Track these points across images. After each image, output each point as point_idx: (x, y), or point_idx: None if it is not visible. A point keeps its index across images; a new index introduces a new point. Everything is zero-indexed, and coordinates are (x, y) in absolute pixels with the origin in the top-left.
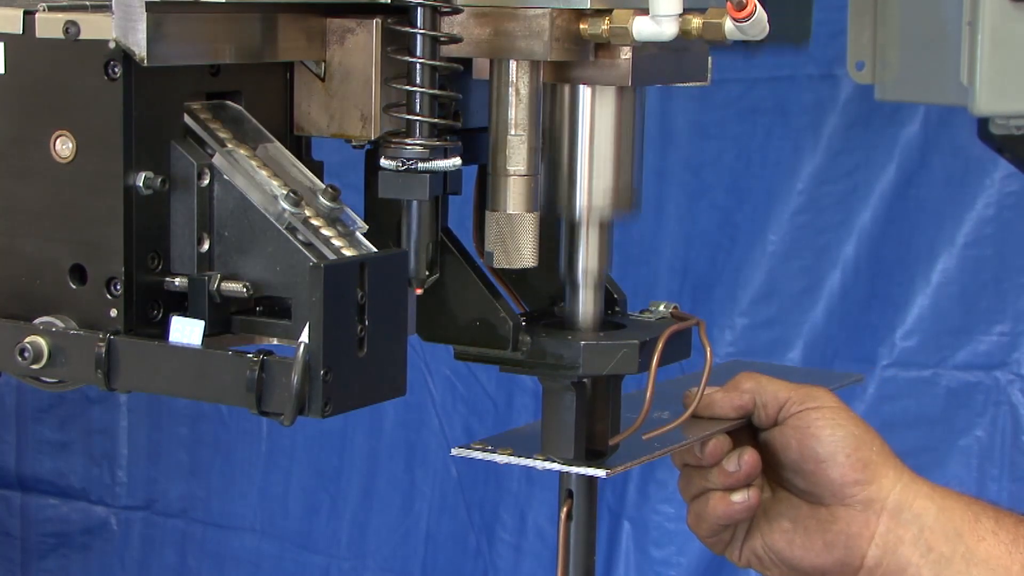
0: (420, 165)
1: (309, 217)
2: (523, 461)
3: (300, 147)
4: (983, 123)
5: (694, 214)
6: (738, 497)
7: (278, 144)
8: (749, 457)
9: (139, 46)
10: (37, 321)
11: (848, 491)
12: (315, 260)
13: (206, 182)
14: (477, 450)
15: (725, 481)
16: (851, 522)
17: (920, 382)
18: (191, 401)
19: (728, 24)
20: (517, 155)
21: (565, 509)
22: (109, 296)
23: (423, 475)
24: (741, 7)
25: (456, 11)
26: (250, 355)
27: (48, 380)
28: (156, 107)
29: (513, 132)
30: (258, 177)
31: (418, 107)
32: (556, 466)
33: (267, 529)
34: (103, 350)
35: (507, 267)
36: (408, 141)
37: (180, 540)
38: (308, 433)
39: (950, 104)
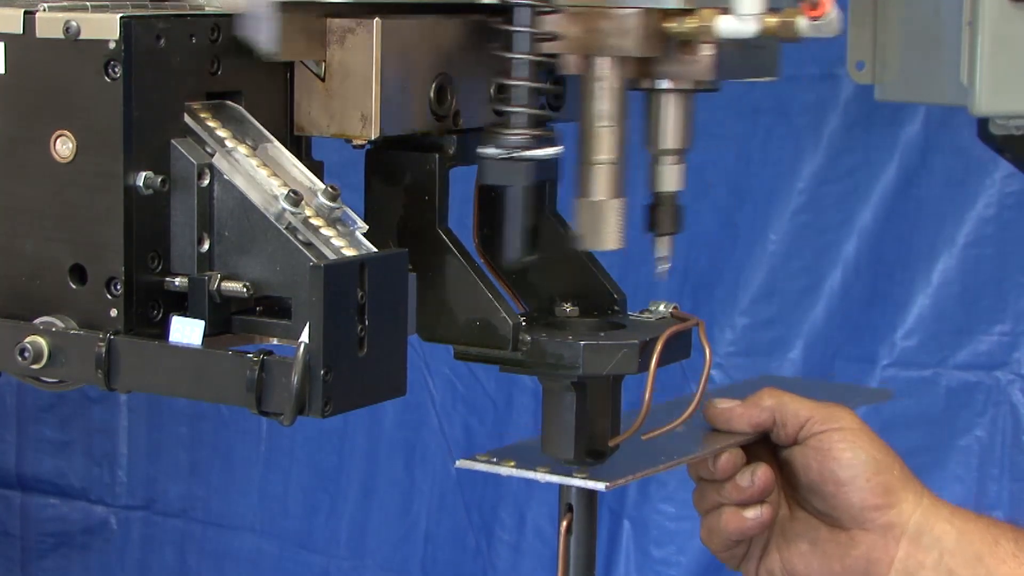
0: (523, 154)
1: (309, 217)
2: (526, 474)
3: (300, 147)
4: (983, 123)
5: (695, 214)
6: (751, 513)
7: (278, 144)
8: (763, 473)
9: None
10: (37, 321)
11: (868, 515)
12: (315, 260)
13: (206, 182)
14: (481, 462)
15: (738, 496)
16: (871, 547)
17: (920, 382)
18: (191, 401)
19: (802, 22)
20: (605, 145)
21: (565, 523)
22: (109, 296)
23: (422, 475)
24: (815, 6)
25: (555, 11)
26: (250, 355)
27: (48, 380)
28: (156, 107)
29: (602, 123)
30: (258, 177)
31: (520, 99)
32: (558, 479)
33: (267, 529)
34: (103, 350)
35: (594, 250)
36: (510, 131)
37: (180, 540)
38: (308, 433)
39: (950, 104)
